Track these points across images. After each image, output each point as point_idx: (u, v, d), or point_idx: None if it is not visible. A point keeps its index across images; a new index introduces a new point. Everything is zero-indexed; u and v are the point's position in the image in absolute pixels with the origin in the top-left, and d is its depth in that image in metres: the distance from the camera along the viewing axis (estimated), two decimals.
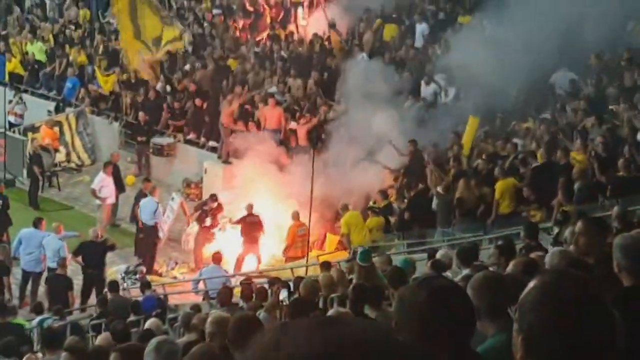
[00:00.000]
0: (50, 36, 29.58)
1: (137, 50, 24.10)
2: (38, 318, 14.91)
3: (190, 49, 27.24)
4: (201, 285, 17.89)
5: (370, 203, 19.12)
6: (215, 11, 28.87)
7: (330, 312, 8.54)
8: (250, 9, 28.30)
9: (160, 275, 19.96)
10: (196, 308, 13.38)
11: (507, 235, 13.47)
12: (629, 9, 20.48)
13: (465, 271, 9.05)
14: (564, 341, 2.23)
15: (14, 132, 26.10)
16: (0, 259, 17.70)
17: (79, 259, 18.19)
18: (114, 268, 19.56)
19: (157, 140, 24.57)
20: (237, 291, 14.55)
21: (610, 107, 18.87)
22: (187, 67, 26.25)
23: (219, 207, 20.52)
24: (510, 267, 6.83)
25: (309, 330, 1.67)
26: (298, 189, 19.44)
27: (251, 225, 19.85)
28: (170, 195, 22.12)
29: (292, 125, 22.48)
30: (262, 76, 24.81)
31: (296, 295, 10.37)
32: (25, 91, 27.98)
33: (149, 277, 18.59)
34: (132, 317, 13.60)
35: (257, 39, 27.13)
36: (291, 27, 27.19)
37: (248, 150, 21.60)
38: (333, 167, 20.00)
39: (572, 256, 6.12)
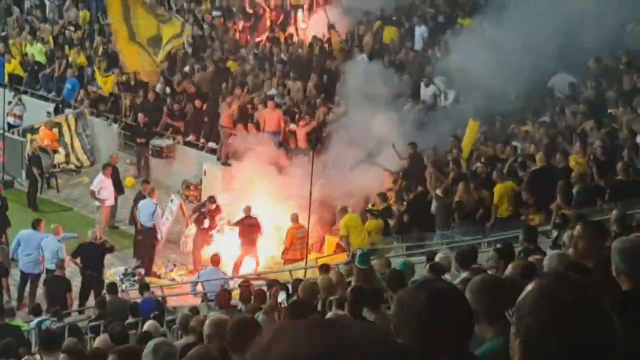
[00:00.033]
0: (50, 37, 29.58)
1: (135, 51, 23.94)
2: (36, 320, 14.91)
3: (190, 50, 27.25)
4: (199, 288, 17.89)
5: (369, 206, 19.12)
6: (215, 13, 28.89)
7: (328, 315, 8.54)
8: (250, 11, 28.33)
9: (158, 277, 19.96)
10: (194, 310, 13.37)
11: (506, 239, 13.49)
12: (628, 12, 20.49)
13: (464, 274, 9.06)
14: (562, 344, 2.23)
15: (13, 133, 26.09)
16: None
17: (78, 260, 18.17)
18: (113, 270, 19.57)
19: (156, 142, 24.57)
20: (235, 293, 14.54)
21: (609, 110, 18.88)
22: (187, 68, 26.26)
23: (217, 209, 20.52)
24: (508, 270, 6.84)
25: (308, 331, 1.68)
26: (297, 191, 19.44)
27: (249, 228, 19.84)
28: (169, 197, 22.11)
29: (292, 127, 22.50)
30: (262, 78, 24.83)
31: (295, 298, 10.38)
32: (25, 92, 27.97)
33: (147, 279, 18.62)
34: (130, 319, 13.61)
35: (257, 40, 27.14)
36: (291, 29, 27.21)
37: (247, 152, 21.61)
38: (332, 169, 20.01)
39: (571, 259, 6.12)
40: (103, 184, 21.37)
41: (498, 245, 11.06)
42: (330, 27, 25.65)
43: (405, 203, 18.68)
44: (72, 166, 26.00)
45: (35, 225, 18.76)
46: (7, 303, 17.12)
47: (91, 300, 17.58)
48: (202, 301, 16.97)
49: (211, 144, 24.05)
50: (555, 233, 12.17)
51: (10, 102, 26.64)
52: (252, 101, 23.67)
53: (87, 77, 27.92)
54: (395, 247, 18.13)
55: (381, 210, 18.62)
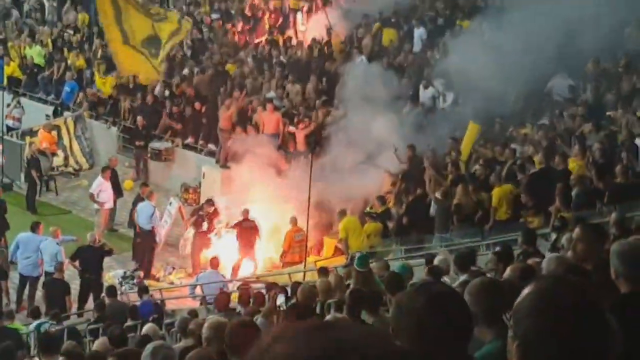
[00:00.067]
0: (49, 40, 29.57)
1: (130, 55, 23.77)
2: (35, 322, 14.90)
3: (188, 53, 27.25)
4: (198, 291, 17.88)
5: (368, 208, 19.11)
6: (213, 15, 28.90)
7: (327, 318, 8.54)
8: (249, 13, 28.34)
9: (157, 280, 19.95)
10: (193, 313, 13.38)
11: (505, 241, 13.47)
12: (626, 15, 20.50)
13: (463, 277, 9.06)
14: (560, 347, 2.22)
15: (11, 136, 26.07)
16: None
17: (77, 263, 18.16)
18: (112, 273, 19.56)
19: (155, 144, 24.56)
20: (234, 296, 14.54)
21: (608, 113, 18.89)
22: (186, 71, 26.25)
23: (215, 212, 20.50)
24: (507, 273, 6.85)
25: (307, 334, 1.68)
26: (296, 193, 19.44)
27: (247, 230, 19.84)
28: (168, 200, 22.10)
29: (291, 129, 22.50)
30: (261, 81, 24.84)
31: (293, 301, 10.37)
32: (24, 95, 27.97)
33: (146, 282, 18.60)
34: (129, 322, 13.60)
35: (256, 41, 27.15)
36: (289, 32, 27.23)
37: (246, 154, 21.60)
38: (331, 171, 19.99)
39: (570, 262, 6.12)
40: (102, 187, 21.36)
41: (497, 248, 11.05)
42: (330, 28, 25.67)
43: (404, 206, 18.67)
44: (71, 169, 25.99)
45: (34, 228, 18.75)
46: (6, 306, 17.12)
47: (90, 303, 17.56)
48: (201, 304, 16.95)
49: (210, 147, 24.04)
50: (554, 236, 12.15)
51: (9, 105, 26.63)
52: (251, 104, 23.67)
53: (86, 80, 27.92)
54: (394, 249, 18.12)
55: (380, 213, 18.61)
